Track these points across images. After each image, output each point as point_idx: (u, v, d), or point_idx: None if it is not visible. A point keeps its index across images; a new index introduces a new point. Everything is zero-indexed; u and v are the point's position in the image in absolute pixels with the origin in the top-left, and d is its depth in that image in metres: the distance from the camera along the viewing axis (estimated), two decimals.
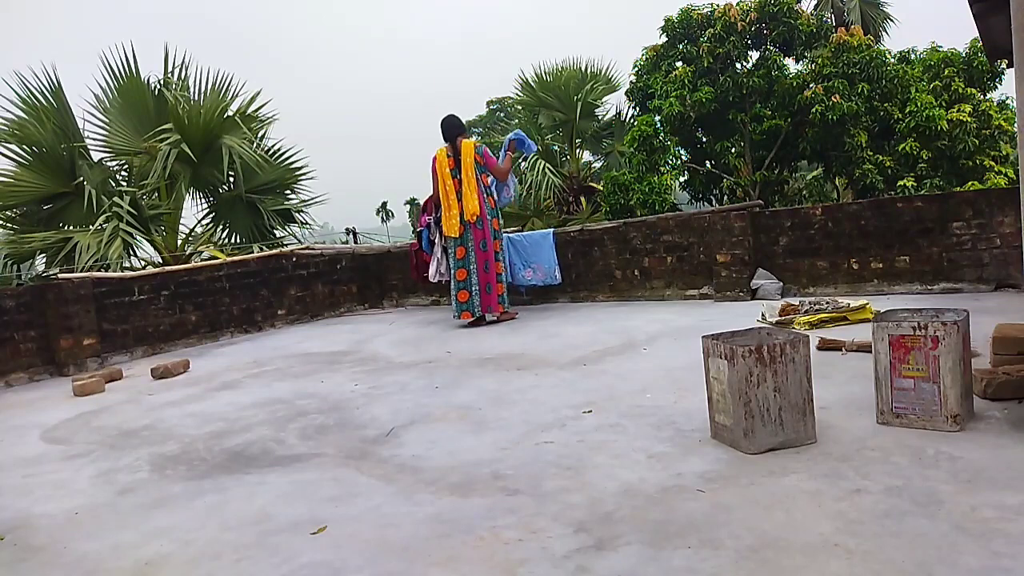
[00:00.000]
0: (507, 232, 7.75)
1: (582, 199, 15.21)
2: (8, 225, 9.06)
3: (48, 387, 5.80)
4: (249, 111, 10.00)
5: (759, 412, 2.66)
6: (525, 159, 13.21)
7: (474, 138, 6.75)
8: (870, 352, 2.95)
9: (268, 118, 10.32)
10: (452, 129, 6.64)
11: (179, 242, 9.85)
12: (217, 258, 8.56)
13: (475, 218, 6.40)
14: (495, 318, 6.67)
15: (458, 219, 6.46)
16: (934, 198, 6.41)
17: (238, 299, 7.79)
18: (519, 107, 16.11)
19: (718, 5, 12.80)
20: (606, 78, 14.75)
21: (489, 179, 6.60)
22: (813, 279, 6.47)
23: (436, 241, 6.84)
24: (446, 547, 2.19)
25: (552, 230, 7.52)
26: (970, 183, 11.28)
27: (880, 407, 2.84)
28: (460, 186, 6.46)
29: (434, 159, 6.66)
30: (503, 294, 6.65)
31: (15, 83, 8.72)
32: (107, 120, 9.39)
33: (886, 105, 11.98)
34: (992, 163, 11.73)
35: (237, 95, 9.91)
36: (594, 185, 14.99)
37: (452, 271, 6.60)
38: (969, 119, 11.60)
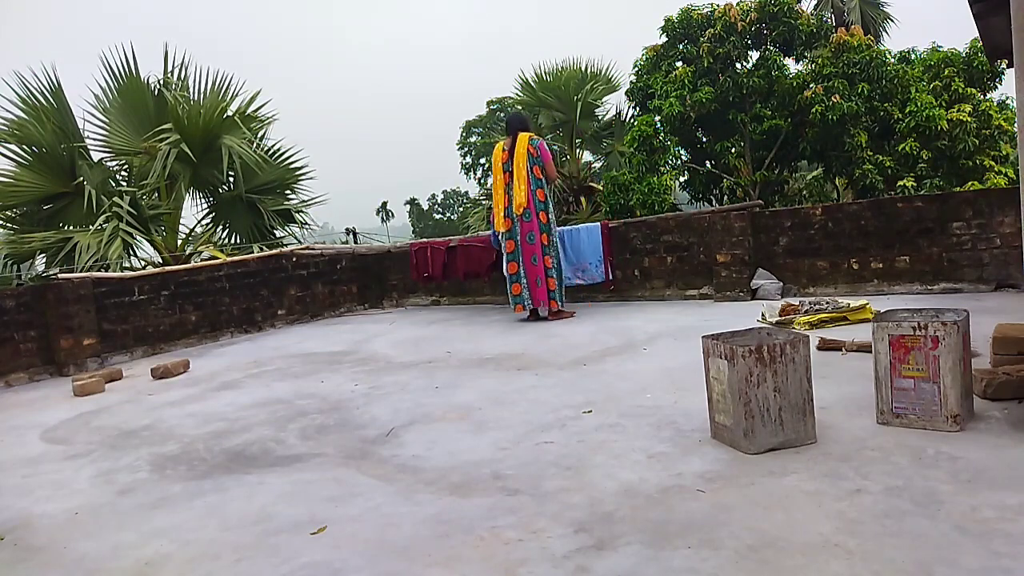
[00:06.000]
0: None
1: (582, 199, 15.21)
2: (8, 225, 9.05)
3: (48, 387, 5.80)
4: (249, 111, 9.99)
5: (759, 412, 2.66)
6: None
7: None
8: (870, 352, 2.95)
9: (268, 118, 10.32)
10: (515, 124, 6.68)
11: (179, 242, 9.85)
12: (217, 258, 8.56)
13: (522, 210, 6.35)
14: (545, 315, 6.53)
15: (504, 213, 6.45)
16: (934, 198, 6.41)
17: (238, 299, 7.79)
18: (519, 107, 16.09)
19: (718, 5, 12.80)
20: (606, 78, 14.74)
21: (541, 173, 6.47)
22: (813, 279, 6.47)
23: None
24: (446, 547, 2.19)
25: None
26: (970, 183, 11.29)
27: (880, 407, 2.84)
28: (510, 179, 6.44)
29: (493, 154, 6.70)
30: (555, 290, 6.51)
31: (15, 83, 8.72)
32: (107, 120, 9.39)
33: (886, 105, 11.98)
34: (992, 163, 11.72)
35: (236, 95, 9.92)
36: (594, 185, 14.98)
37: (505, 264, 6.57)
38: (969, 119, 11.59)
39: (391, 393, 4.28)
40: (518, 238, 6.45)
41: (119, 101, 9.44)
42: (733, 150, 13.32)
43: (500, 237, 6.63)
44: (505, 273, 6.63)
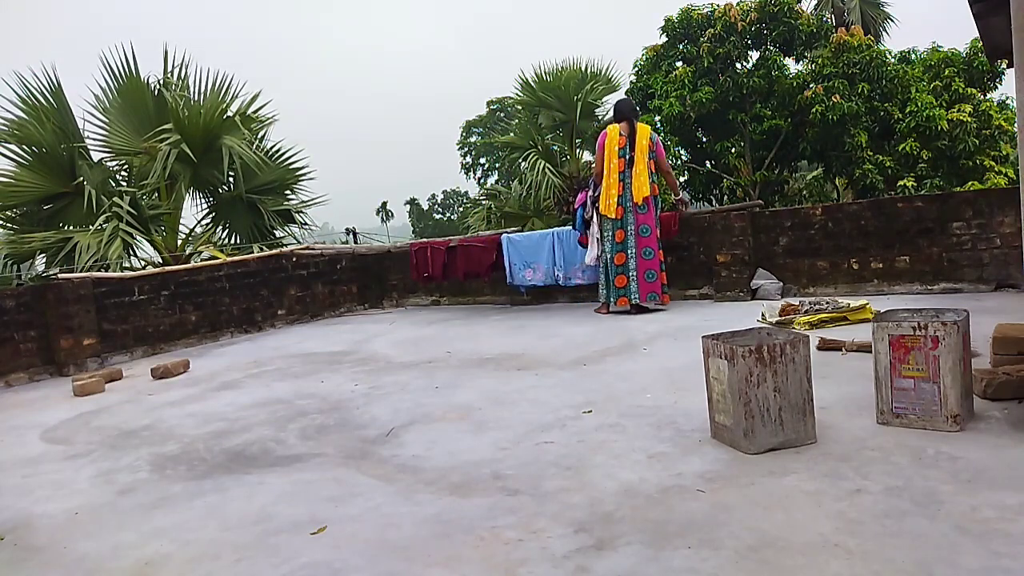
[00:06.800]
0: (507, 232, 7.73)
1: None
2: (8, 225, 9.04)
3: (48, 387, 5.80)
4: (249, 112, 9.98)
5: (759, 412, 2.66)
6: (526, 159, 13.22)
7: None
8: (870, 352, 2.95)
9: (268, 119, 10.31)
10: (629, 110, 6.55)
11: (179, 242, 9.84)
12: (217, 258, 8.55)
13: (642, 200, 6.24)
14: (661, 308, 6.37)
15: (617, 200, 6.29)
16: (934, 198, 6.41)
17: (238, 299, 7.79)
18: (519, 107, 16.08)
19: (718, 5, 12.82)
20: (606, 78, 14.71)
21: (654, 167, 6.42)
22: (813, 279, 6.47)
23: (593, 221, 6.55)
24: (446, 547, 2.19)
25: (552, 230, 7.48)
26: (970, 183, 11.30)
27: (880, 407, 2.84)
28: (627, 167, 6.29)
29: (603, 135, 6.48)
30: (666, 283, 6.44)
31: (15, 83, 8.70)
32: (107, 120, 9.37)
33: (886, 105, 11.99)
34: (992, 163, 11.74)
35: (237, 96, 9.90)
36: None
37: (609, 255, 6.38)
38: (969, 119, 11.60)
39: (391, 393, 4.28)
40: (630, 228, 6.31)
41: (119, 101, 9.43)
42: (733, 150, 13.33)
43: (604, 224, 6.39)
44: (607, 263, 6.41)
